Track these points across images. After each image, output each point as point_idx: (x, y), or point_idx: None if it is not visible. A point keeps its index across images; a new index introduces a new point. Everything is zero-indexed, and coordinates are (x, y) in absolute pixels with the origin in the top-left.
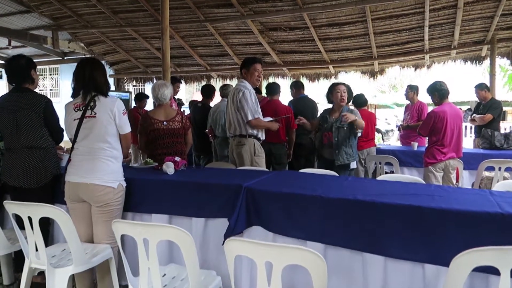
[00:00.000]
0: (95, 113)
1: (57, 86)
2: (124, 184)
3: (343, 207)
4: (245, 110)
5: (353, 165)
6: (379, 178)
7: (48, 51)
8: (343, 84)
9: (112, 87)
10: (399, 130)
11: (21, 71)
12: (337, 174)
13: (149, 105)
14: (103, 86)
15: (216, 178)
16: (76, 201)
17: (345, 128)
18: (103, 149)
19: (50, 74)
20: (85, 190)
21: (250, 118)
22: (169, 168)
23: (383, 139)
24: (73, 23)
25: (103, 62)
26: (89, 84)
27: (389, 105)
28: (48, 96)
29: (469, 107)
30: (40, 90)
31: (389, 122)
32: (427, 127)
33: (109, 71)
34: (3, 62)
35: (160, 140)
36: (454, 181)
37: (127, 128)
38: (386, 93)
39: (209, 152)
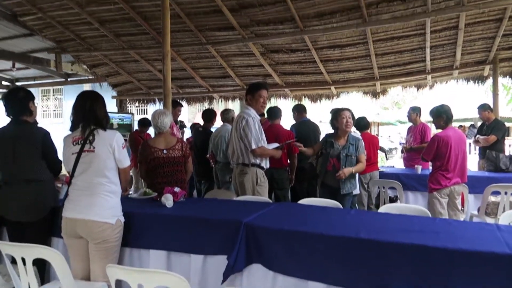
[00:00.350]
0: (94, 147)
1: (60, 107)
2: (123, 220)
3: (346, 245)
4: (248, 139)
5: (356, 190)
6: (382, 208)
7: (51, 73)
8: (348, 109)
9: (115, 109)
10: (402, 152)
11: (19, 104)
12: (339, 204)
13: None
14: (103, 119)
15: (216, 211)
16: (73, 237)
17: (353, 157)
18: (101, 184)
19: (54, 95)
20: (82, 226)
21: (254, 147)
22: (168, 200)
23: (386, 157)
24: (76, 46)
25: (105, 83)
26: (89, 118)
27: (393, 123)
28: (52, 117)
29: (472, 123)
30: (43, 111)
31: (393, 140)
32: (431, 152)
33: (112, 92)
34: (8, 83)
35: (160, 169)
36: (460, 207)
37: (126, 162)
38: (389, 110)
39: (210, 177)
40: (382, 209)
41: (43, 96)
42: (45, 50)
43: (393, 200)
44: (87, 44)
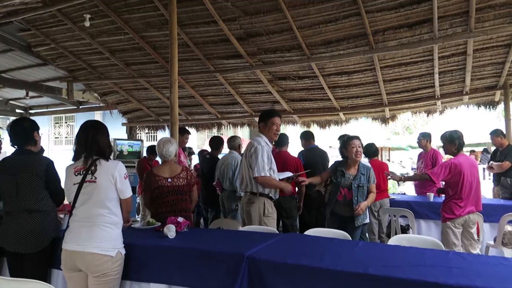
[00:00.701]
0: (96, 178)
1: (72, 134)
2: (123, 252)
3: (353, 281)
4: (253, 166)
5: (366, 219)
6: (392, 239)
7: (63, 101)
8: (357, 138)
9: (125, 136)
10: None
11: (24, 133)
12: (347, 235)
13: None
14: (105, 149)
15: (219, 243)
16: (72, 270)
17: (364, 188)
18: (102, 215)
19: (66, 122)
20: (82, 259)
21: (256, 175)
22: (170, 231)
23: (398, 183)
24: (87, 74)
25: (115, 111)
26: (91, 148)
27: (404, 147)
28: (63, 143)
29: (485, 147)
30: (55, 137)
31: (404, 165)
32: (440, 175)
33: (122, 119)
34: (21, 111)
35: (164, 198)
36: (475, 236)
37: (128, 193)
38: (400, 135)
39: (216, 205)
40: (392, 240)
41: (55, 123)
42: (57, 79)
43: (404, 229)
44: (98, 73)
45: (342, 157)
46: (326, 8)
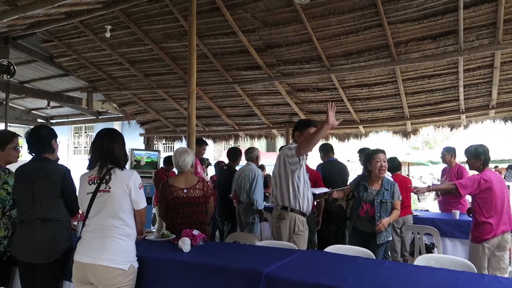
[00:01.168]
0: (110, 187)
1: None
2: (136, 265)
3: None
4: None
5: (389, 237)
6: (419, 259)
7: (83, 111)
8: (383, 152)
9: (142, 146)
10: (437, 195)
11: (42, 141)
12: (371, 253)
13: None
14: (121, 158)
15: (235, 259)
16: (83, 283)
17: (388, 204)
18: (115, 227)
19: (85, 132)
20: (92, 272)
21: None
22: (185, 245)
23: (418, 199)
24: (107, 85)
25: (134, 121)
26: (106, 157)
27: (424, 163)
28: (82, 153)
29: (510, 164)
30: (75, 147)
31: (424, 181)
32: (468, 188)
33: (140, 130)
34: (43, 121)
35: (179, 209)
36: (507, 260)
37: (142, 204)
38: (420, 150)
39: (233, 217)
40: (419, 260)
41: (75, 133)
42: (78, 90)
43: (429, 247)
44: (117, 83)
45: (365, 171)
46: (347, 19)
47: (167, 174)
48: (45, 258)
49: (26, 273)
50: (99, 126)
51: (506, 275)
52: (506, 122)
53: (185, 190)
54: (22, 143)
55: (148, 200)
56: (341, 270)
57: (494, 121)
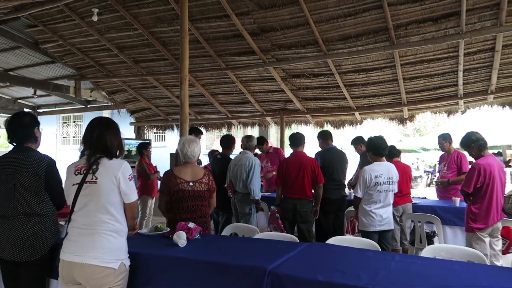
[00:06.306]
0: (96, 178)
1: (80, 133)
2: (128, 263)
3: None
4: None
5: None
6: (427, 250)
7: (71, 99)
8: None
9: (133, 135)
10: (437, 185)
11: (24, 129)
12: (376, 245)
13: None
14: (114, 149)
15: (235, 254)
16: (71, 283)
17: None
18: (103, 222)
19: (74, 122)
20: (80, 271)
21: None
22: (180, 239)
23: (412, 186)
24: (95, 72)
25: (124, 110)
26: (96, 146)
27: (416, 150)
28: (71, 143)
29: (499, 150)
30: (63, 137)
31: (416, 167)
32: (471, 182)
33: (130, 119)
34: (30, 110)
35: (184, 203)
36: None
37: (133, 196)
38: (411, 137)
39: (228, 208)
40: (427, 251)
41: (63, 122)
42: (65, 77)
43: (430, 236)
44: (106, 71)
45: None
46: (346, 0)
47: (147, 161)
48: (29, 256)
49: (8, 272)
50: (88, 115)
51: (498, 263)
52: (504, 107)
53: (190, 183)
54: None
55: None
56: (352, 265)
57: (491, 106)
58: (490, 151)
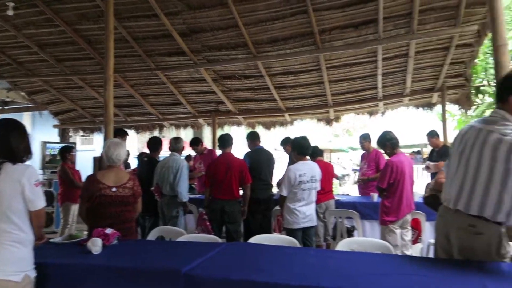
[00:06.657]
0: None
1: None
2: (33, 275)
3: None
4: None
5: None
6: (342, 244)
7: None
8: None
9: (57, 139)
10: (358, 182)
11: None
12: (296, 241)
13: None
14: (19, 152)
15: (152, 258)
16: None
17: None
18: (5, 232)
19: None
20: None
21: None
22: (95, 246)
23: (339, 184)
24: (12, 71)
25: (46, 112)
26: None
27: (344, 149)
28: None
29: (419, 149)
30: None
31: (345, 166)
32: (385, 178)
33: (53, 121)
34: None
35: (107, 209)
36: (410, 237)
37: (39, 203)
38: (340, 137)
39: (155, 212)
40: (341, 245)
41: None
42: None
43: (350, 230)
44: (25, 69)
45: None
46: (274, 4)
47: (71, 166)
48: None
49: None
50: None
51: (408, 252)
52: (418, 109)
53: (113, 188)
54: None
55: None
56: (268, 263)
57: (407, 107)
58: (410, 150)
